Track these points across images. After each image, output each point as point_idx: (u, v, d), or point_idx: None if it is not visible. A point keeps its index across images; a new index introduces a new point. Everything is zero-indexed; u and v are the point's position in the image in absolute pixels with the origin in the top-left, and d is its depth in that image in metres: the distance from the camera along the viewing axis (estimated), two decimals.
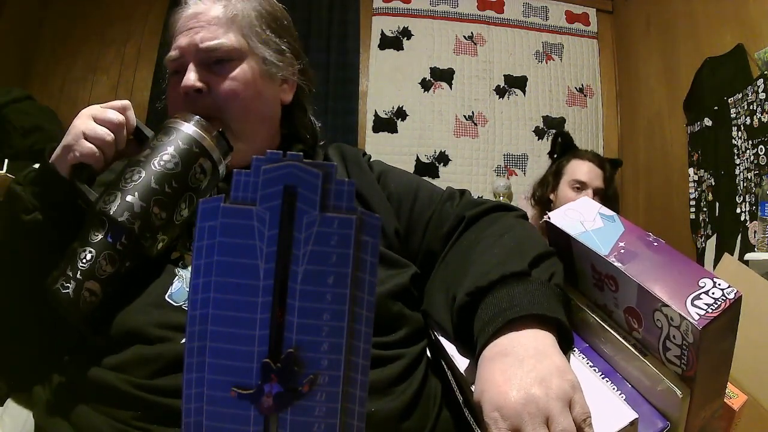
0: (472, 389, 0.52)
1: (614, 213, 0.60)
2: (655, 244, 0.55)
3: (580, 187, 1.82)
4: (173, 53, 0.75)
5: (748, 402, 0.77)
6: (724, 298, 0.48)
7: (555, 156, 2.01)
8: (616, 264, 0.53)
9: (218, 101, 0.73)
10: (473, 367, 0.54)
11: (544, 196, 1.93)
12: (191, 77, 0.72)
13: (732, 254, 1.79)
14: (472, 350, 0.56)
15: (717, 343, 0.50)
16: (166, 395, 0.53)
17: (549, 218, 0.61)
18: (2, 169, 1.43)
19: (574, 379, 0.48)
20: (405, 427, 0.58)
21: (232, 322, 0.35)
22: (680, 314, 0.47)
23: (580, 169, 1.85)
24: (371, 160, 0.86)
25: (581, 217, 0.60)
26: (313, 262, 0.34)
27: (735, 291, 0.48)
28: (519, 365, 0.48)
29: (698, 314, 0.47)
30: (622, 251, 0.54)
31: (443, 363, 0.65)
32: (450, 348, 0.60)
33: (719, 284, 0.49)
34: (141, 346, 0.57)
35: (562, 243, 0.61)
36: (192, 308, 0.36)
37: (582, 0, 2.96)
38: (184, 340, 0.53)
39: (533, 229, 0.69)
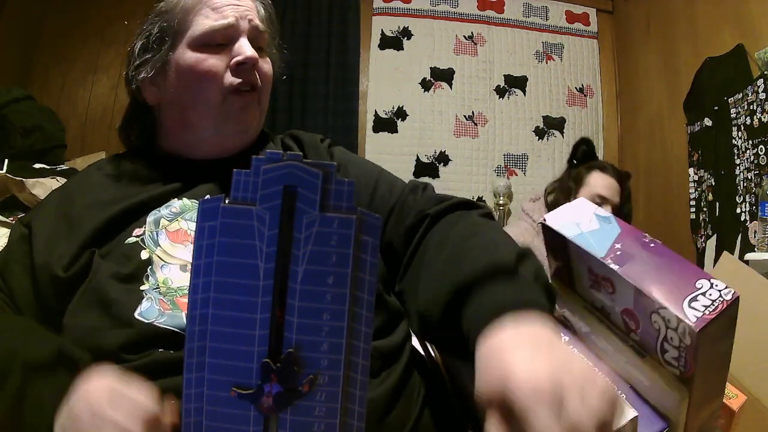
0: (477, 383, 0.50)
1: (610, 214, 0.59)
2: (652, 245, 0.54)
3: (600, 202, 1.80)
4: (226, 21, 0.72)
5: (748, 402, 0.77)
6: (722, 299, 0.47)
7: (575, 162, 1.99)
8: (613, 266, 0.53)
9: (260, 77, 0.75)
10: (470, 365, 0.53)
11: (561, 203, 1.90)
12: (251, 49, 0.72)
13: (732, 254, 1.79)
14: (456, 348, 0.53)
15: (715, 345, 0.50)
16: (156, 377, 0.50)
17: (545, 220, 0.61)
18: (2, 169, 1.43)
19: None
20: (383, 424, 0.55)
21: (232, 322, 0.35)
22: (677, 316, 0.47)
23: (602, 184, 1.84)
24: (333, 147, 0.83)
25: (577, 219, 0.59)
26: (313, 262, 0.34)
27: (732, 292, 0.47)
28: (537, 351, 0.44)
29: (695, 316, 0.46)
30: (619, 253, 0.54)
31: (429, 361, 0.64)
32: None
33: (716, 285, 0.48)
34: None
35: (558, 245, 0.61)
36: (192, 308, 0.36)
37: (582, 0, 2.96)
38: (161, 350, 0.54)
39: (501, 230, 0.67)
